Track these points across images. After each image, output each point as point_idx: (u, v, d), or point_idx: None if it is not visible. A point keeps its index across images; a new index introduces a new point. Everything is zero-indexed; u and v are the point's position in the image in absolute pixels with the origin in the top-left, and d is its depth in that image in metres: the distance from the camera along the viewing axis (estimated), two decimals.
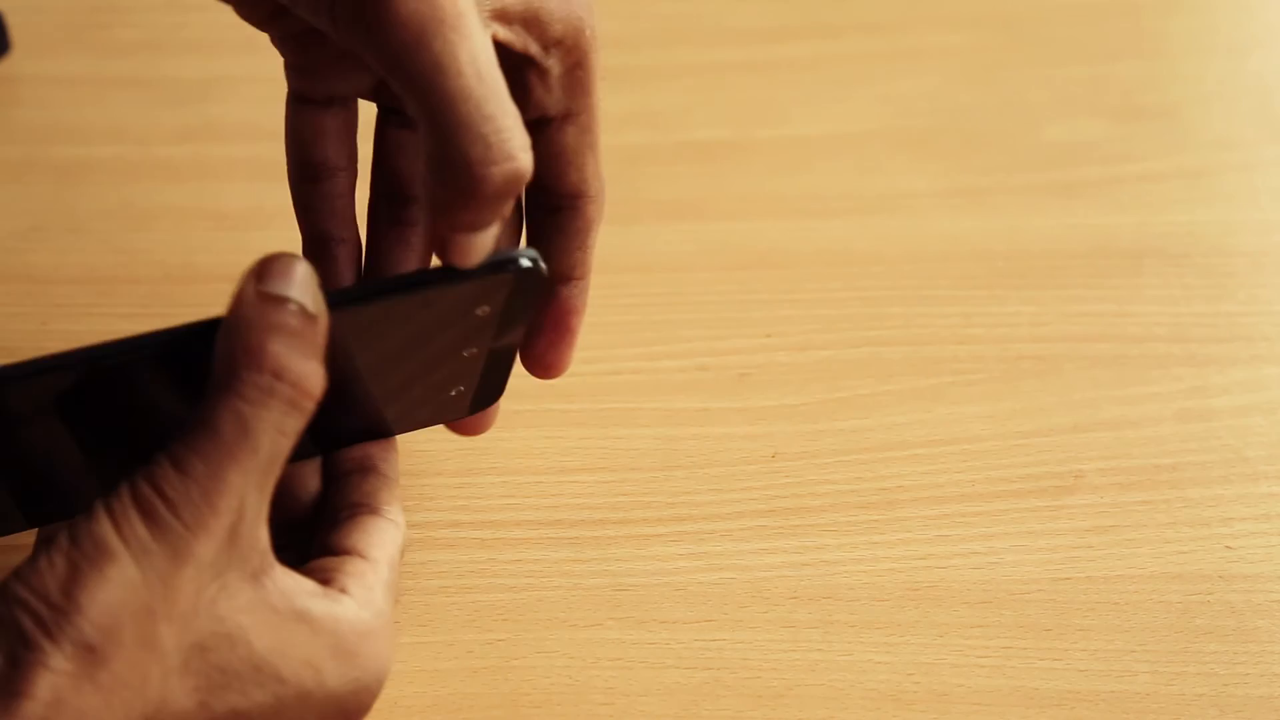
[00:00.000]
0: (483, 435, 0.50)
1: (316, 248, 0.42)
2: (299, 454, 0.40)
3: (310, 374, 0.34)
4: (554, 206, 0.40)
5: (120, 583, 0.31)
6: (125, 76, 0.62)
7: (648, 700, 0.44)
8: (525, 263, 0.37)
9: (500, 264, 0.36)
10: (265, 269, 0.34)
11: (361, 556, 0.38)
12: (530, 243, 0.41)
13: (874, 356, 0.53)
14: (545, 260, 0.37)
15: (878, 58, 0.65)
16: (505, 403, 0.51)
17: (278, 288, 0.34)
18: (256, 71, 0.62)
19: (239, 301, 0.34)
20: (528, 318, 0.39)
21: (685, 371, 0.52)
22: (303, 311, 0.34)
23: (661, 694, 0.44)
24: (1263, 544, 0.47)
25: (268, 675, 0.34)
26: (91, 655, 0.31)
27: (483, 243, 0.35)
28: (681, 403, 0.51)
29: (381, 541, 0.38)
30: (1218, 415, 0.51)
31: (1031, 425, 0.51)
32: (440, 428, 0.44)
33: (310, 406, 0.34)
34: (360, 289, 0.37)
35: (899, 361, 0.53)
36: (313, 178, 0.41)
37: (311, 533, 0.40)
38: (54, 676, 0.31)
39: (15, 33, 0.64)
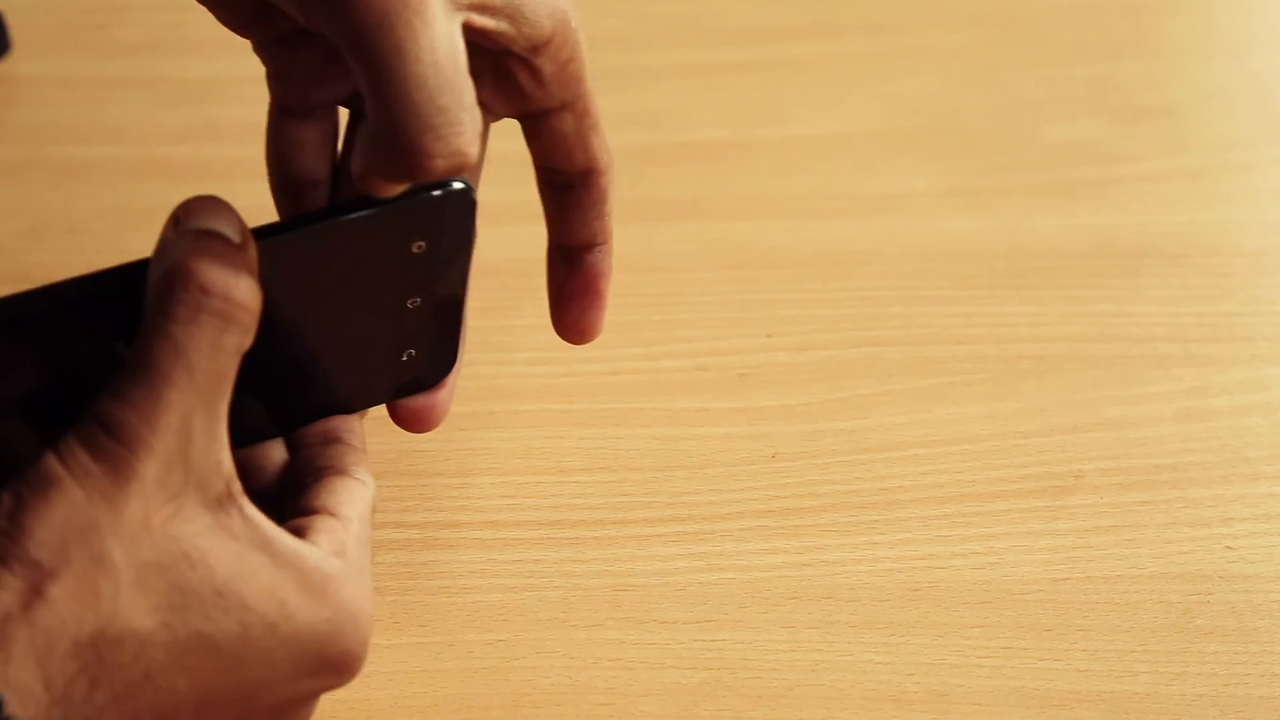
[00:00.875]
0: (482, 435, 0.50)
1: None
2: (262, 434, 0.40)
3: (239, 285, 0.34)
4: (567, 184, 0.40)
5: (63, 503, 0.32)
6: (125, 76, 0.62)
7: (648, 700, 0.44)
8: (455, 185, 0.37)
9: (427, 187, 0.36)
10: (184, 210, 0.35)
11: (331, 514, 0.37)
12: (549, 216, 0.42)
13: (874, 356, 0.53)
14: (566, 232, 0.37)
15: (878, 58, 0.65)
16: (505, 403, 0.51)
17: (198, 224, 0.34)
18: (257, 71, 0.62)
19: (160, 240, 0.34)
20: (466, 255, 0.39)
21: (685, 371, 0.52)
22: (226, 239, 0.34)
23: (661, 694, 0.44)
24: (1263, 544, 0.47)
25: (232, 601, 0.33)
26: (39, 572, 0.31)
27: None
28: (681, 403, 0.51)
29: (350, 499, 0.38)
30: (1218, 415, 0.51)
31: (1031, 425, 0.51)
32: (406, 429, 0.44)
33: (246, 319, 0.34)
34: (286, 221, 0.37)
35: (899, 361, 0.53)
36: (295, 190, 0.41)
37: (279, 503, 0.40)
38: (3, 594, 0.31)
39: (15, 33, 0.64)
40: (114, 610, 0.32)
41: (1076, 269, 0.56)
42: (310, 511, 0.37)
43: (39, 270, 0.55)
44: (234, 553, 0.34)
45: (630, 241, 0.56)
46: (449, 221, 0.38)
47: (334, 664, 0.36)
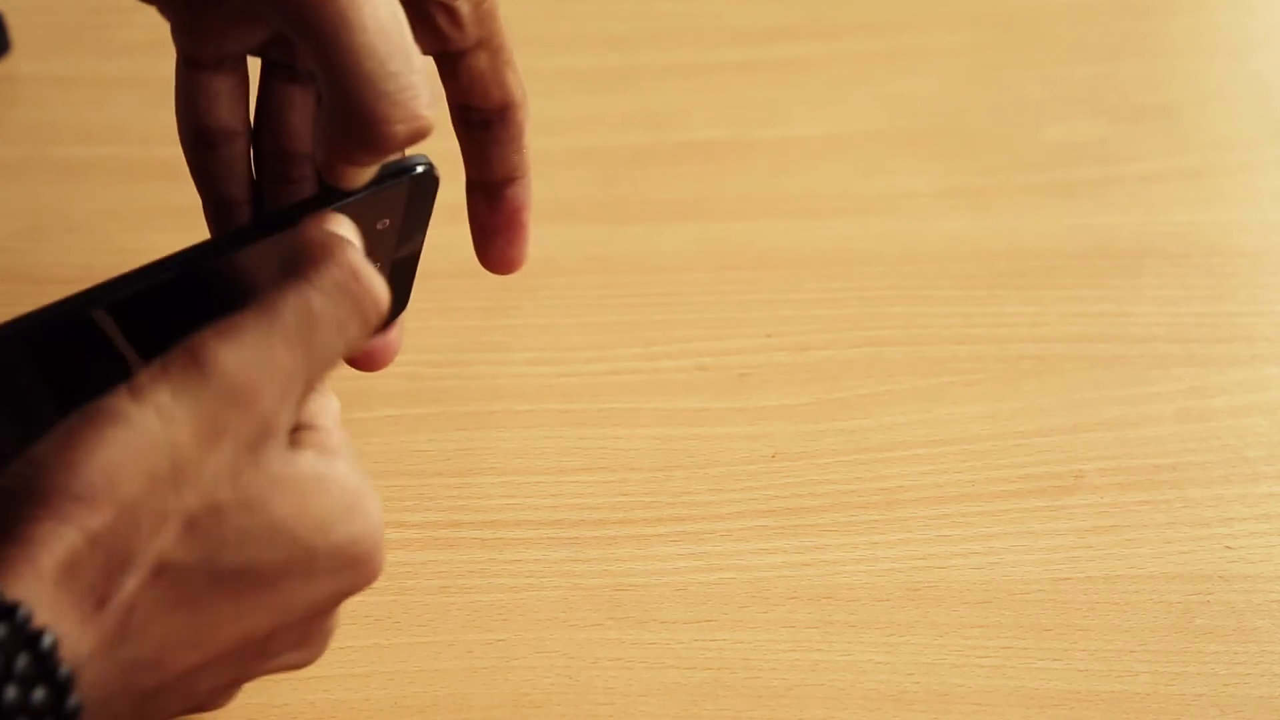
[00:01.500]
0: (482, 435, 0.50)
1: (220, 213, 0.42)
2: None
3: (382, 287, 0.34)
4: (485, 121, 0.41)
5: (120, 444, 0.31)
6: (125, 76, 0.62)
7: (648, 700, 0.44)
8: (420, 169, 0.38)
9: (396, 174, 0.37)
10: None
11: (308, 427, 0.37)
12: (467, 154, 0.42)
13: (874, 356, 0.53)
14: (486, 169, 0.39)
15: (878, 58, 0.65)
16: (505, 403, 0.51)
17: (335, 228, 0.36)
18: (255, 71, 0.62)
19: (307, 224, 0.35)
20: (425, 223, 0.40)
21: (685, 371, 0.52)
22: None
23: (661, 694, 0.44)
24: (1263, 544, 0.47)
25: (282, 536, 0.34)
26: (78, 506, 0.31)
27: (372, 170, 0.37)
28: (681, 403, 0.51)
29: (321, 410, 0.38)
30: (1218, 415, 0.51)
31: (1031, 425, 0.51)
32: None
33: (375, 322, 0.35)
34: (274, 217, 0.37)
35: (899, 361, 0.53)
36: (210, 144, 0.41)
37: None
38: (33, 526, 0.31)
39: (15, 33, 0.64)
40: (159, 552, 0.32)
41: (1076, 269, 0.56)
42: None
43: (39, 270, 0.55)
44: (293, 491, 0.34)
45: (630, 241, 0.56)
46: (414, 200, 0.39)
47: (362, 568, 0.36)
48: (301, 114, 0.42)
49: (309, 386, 0.34)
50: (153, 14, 0.69)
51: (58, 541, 0.31)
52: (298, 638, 0.36)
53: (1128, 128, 0.62)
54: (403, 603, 0.46)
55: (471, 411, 0.50)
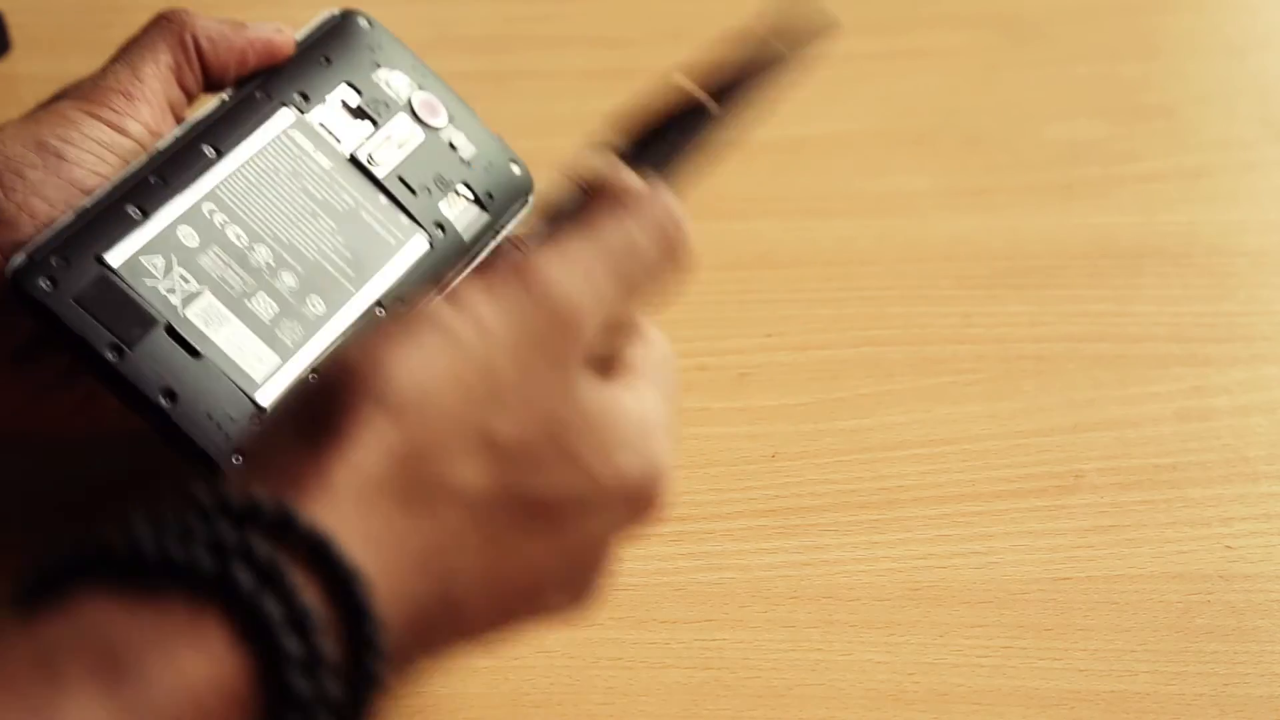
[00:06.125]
0: None
1: None
2: None
3: (692, 236, 0.35)
4: None
5: (438, 355, 0.30)
6: None
7: (648, 700, 0.44)
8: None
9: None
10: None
11: (615, 358, 0.35)
12: None
13: (874, 356, 0.53)
14: None
15: (878, 58, 0.65)
16: None
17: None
18: None
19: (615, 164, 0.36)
20: None
21: (685, 371, 0.52)
22: None
23: (661, 694, 0.44)
24: (1263, 544, 0.47)
25: (577, 467, 0.32)
26: (388, 418, 0.29)
27: None
28: (682, 403, 0.51)
29: (627, 341, 0.37)
30: (1218, 415, 0.51)
31: (1031, 425, 0.51)
32: None
33: (682, 266, 0.35)
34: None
35: (899, 361, 0.53)
36: None
37: None
38: (338, 439, 0.29)
39: (15, 33, 0.64)
40: (463, 477, 0.30)
41: (1076, 269, 0.56)
42: None
43: None
44: (593, 421, 0.32)
45: None
46: None
47: (642, 502, 0.34)
48: None
49: (617, 318, 0.33)
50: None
51: (364, 456, 0.29)
52: (569, 580, 0.34)
53: (1128, 128, 0.62)
54: None
55: None
